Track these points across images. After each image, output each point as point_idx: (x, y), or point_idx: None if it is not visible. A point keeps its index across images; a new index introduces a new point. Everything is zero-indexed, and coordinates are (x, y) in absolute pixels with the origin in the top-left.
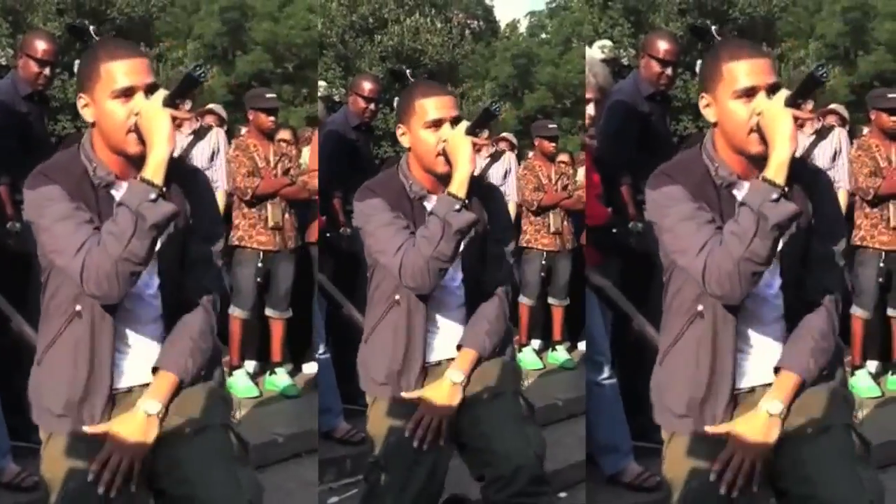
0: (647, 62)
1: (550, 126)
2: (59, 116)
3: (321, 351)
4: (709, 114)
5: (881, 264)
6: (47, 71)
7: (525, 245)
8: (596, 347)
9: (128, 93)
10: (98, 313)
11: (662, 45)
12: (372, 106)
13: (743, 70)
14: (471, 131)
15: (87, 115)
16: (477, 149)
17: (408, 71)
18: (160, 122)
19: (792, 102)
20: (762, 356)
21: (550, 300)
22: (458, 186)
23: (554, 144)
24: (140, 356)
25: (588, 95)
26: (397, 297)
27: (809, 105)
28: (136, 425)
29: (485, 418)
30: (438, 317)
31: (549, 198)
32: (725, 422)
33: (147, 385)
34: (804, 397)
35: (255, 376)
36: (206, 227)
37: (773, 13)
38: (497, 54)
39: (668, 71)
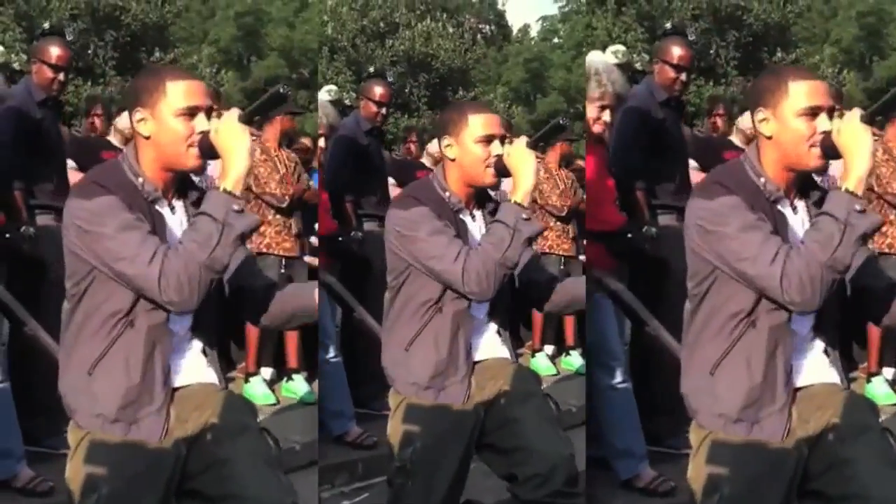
0: (661, 68)
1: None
2: (74, 121)
3: (332, 354)
4: (765, 128)
5: None
6: (61, 76)
7: (546, 250)
8: (609, 352)
9: (192, 112)
10: (155, 324)
11: (676, 51)
12: (383, 110)
13: (808, 90)
14: (534, 144)
15: (144, 129)
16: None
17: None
18: (239, 137)
19: (870, 119)
20: (798, 359)
21: None
22: (523, 196)
23: (568, 147)
24: (179, 359)
25: (604, 102)
26: (441, 305)
27: None
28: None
29: (520, 418)
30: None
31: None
32: (779, 424)
33: (181, 388)
34: (828, 397)
35: (271, 383)
36: None
37: (788, 19)
38: (509, 59)
39: (683, 76)
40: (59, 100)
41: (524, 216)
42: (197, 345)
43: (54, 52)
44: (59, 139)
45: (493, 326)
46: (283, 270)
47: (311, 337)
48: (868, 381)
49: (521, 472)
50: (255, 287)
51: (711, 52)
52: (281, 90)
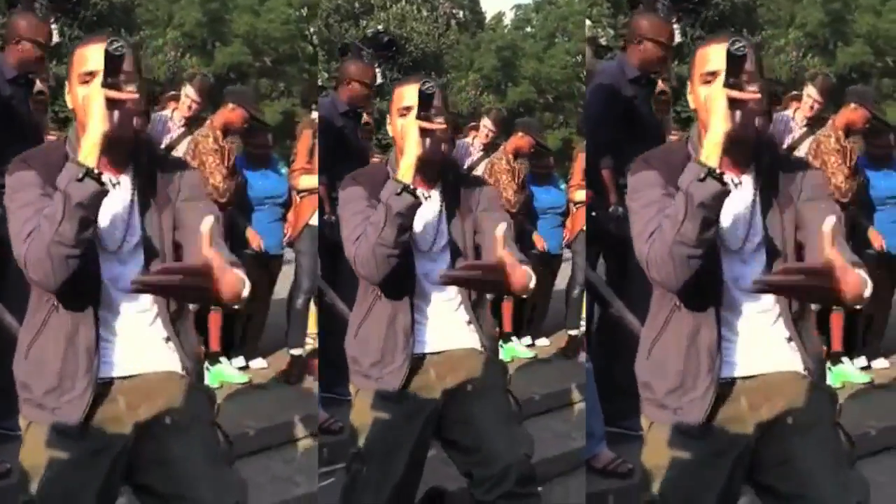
0: (645, 46)
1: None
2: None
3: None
4: (690, 101)
5: None
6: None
7: None
8: None
9: (91, 76)
10: (76, 306)
11: (667, 28)
12: (363, 90)
13: (710, 54)
14: (417, 116)
15: (69, 102)
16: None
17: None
18: (94, 102)
19: (726, 82)
20: (748, 347)
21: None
22: (404, 171)
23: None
24: (130, 346)
25: None
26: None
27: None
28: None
29: (475, 417)
30: (427, 309)
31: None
32: (701, 409)
33: (133, 377)
34: (785, 386)
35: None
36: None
37: (755, 0)
38: (482, 46)
39: (668, 55)
40: (30, 78)
41: (396, 191)
42: (159, 331)
43: (29, 28)
44: (29, 118)
45: (462, 314)
46: None
47: (232, 321)
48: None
49: (476, 473)
50: None
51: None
52: (108, 48)
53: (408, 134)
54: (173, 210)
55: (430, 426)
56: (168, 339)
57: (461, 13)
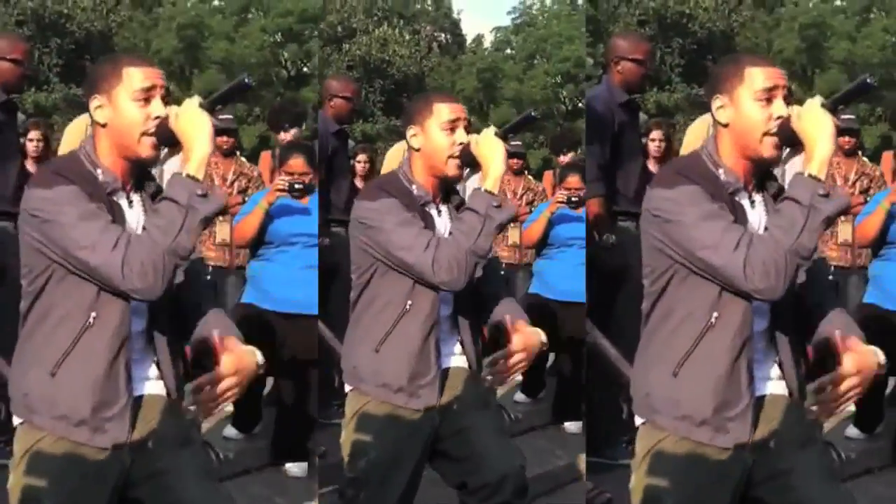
0: (624, 66)
1: (514, 143)
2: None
3: None
4: (722, 115)
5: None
6: (21, 72)
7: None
8: None
9: (147, 95)
10: (114, 320)
11: (643, 46)
12: (351, 105)
13: (765, 73)
14: (504, 134)
15: (101, 116)
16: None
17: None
18: (201, 122)
19: (833, 106)
20: (763, 367)
21: None
22: (493, 184)
23: (519, 160)
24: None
25: None
26: (409, 303)
27: None
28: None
29: (468, 428)
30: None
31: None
32: (743, 426)
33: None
34: (771, 408)
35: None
36: None
37: (732, 28)
38: (463, 68)
39: (647, 72)
40: (15, 102)
41: (494, 203)
42: (150, 355)
43: (12, 47)
44: (17, 142)
45: (455, 336)
46: (208, 277)
47: None
48: None
49: (471, 482)
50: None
51: (656, 58)
52: (246, 80)
53: (494, 149)
54: None
55: (428, 448)
56: (157, 364)
57: (443, 36)
